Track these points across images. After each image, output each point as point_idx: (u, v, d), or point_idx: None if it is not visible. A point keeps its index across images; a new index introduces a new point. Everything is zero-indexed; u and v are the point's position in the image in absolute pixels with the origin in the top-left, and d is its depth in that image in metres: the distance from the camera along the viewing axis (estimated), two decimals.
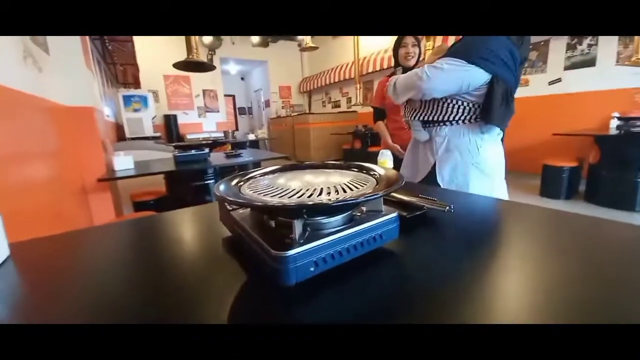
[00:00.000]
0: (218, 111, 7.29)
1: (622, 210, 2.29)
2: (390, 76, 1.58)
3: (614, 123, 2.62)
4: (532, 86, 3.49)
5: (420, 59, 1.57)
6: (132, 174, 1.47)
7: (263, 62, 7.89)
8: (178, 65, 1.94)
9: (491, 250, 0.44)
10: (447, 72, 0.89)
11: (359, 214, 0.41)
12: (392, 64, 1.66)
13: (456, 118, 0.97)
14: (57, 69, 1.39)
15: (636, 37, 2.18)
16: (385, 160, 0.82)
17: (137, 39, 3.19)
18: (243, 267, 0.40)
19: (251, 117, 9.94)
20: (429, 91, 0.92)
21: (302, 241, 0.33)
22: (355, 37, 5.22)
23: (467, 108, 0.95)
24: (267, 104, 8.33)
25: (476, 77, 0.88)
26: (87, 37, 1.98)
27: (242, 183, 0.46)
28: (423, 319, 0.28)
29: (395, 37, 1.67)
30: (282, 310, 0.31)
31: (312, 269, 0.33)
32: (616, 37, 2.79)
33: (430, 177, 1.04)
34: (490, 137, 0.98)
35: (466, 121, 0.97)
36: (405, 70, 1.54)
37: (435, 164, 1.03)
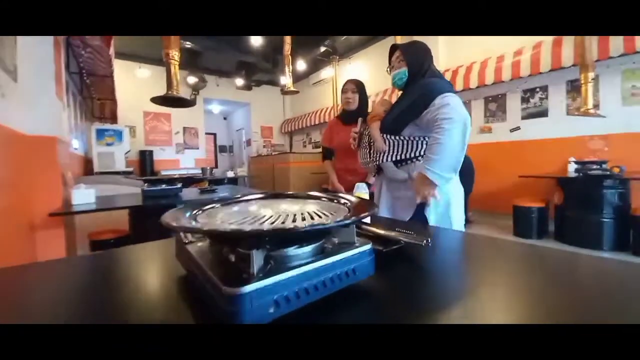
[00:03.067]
0: (197, 148, 7.23)
1: (590, 249, 2.38)
2: (343, 124, 1.65)
3: (572, 167, 2.84)
4: (495, 133, 3.79)
5: (365, 104, 1.65)
6: (91, 209, 1.34)
7: (246, 104, 8.13)
8: (156, 100, 1.93)
9: (473, 284, 0.41)
10: (455, 103, 0.93)
11: (330, 246, 0.37)
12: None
13: (423, 152, 1.01)
14: (24, 96, 1.32)
15: (583, 90, 2.47)
16: (361, 193, 0.81)
17: (117, 71, 3.19)
18: (192, 310, 0.34)
19: (232, 155, 9.92)
20: (465, 122, 0.92)
21: (261, 275, 0.28)
22: (334, 82, 5.59)
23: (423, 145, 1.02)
24: (249, 142, 8.41)
25: (459, 100, 0.95)
26: (62, 68, 1.95)
27: (200, 212, 0.42)
28: None
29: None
30: None
31: (271, 310, 0.28)
32: (564, 90, 3.16)
33: (415, 216, 1.03)
34: None
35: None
36: (348, 112, 1.63)
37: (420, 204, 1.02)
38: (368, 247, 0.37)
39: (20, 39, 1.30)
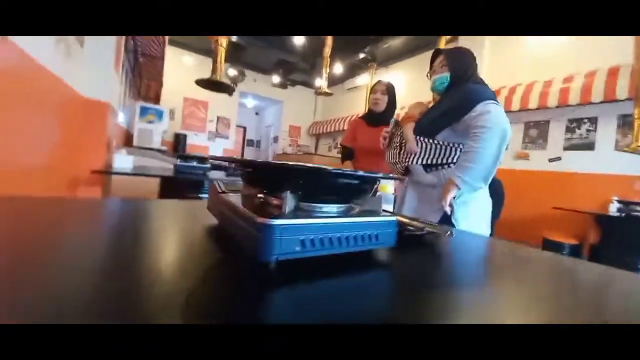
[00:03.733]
0: (227, 138, 7.49)
1: None
2: (367, 125, 1.65)
3: (614, 206, 2.64)
4: (533, 161, 3.60)
5: (393, 108, 1.63)
6: (129, 173, 1.44)
7: (279, 102, 8.34)
8: (201, 83, 2.04)
9: (494, 280, 0.40)
10: (497, 112, 0.91)
11: (356, 211, 0.38)
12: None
13: (455, 160, 1.00)
14: (86, 62, 1.45)
15: (636, 126, 2.31)
16: (387, 185, 0.80)
17: (167, 57, 3.42)
18: (221, 251, 0.36)
19: (258, 149, 10.18)
20: (504, 133, 0.90)
21: (292, 215, 0.30)
22: (368, 91, 5.59)
23: (456, 151, 1.00)
24: (276, 140, 8.59)
25: (500, 110, 0.94)
26: (122, 45, 2.11)
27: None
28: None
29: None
30: (254, 298, 0.27)
31: (297, 248, 0.29)
32: (614, 124, 2.96)
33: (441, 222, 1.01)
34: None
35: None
36: (374, 113, 1.61)
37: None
38: (393, 218, 0.38)
39: None
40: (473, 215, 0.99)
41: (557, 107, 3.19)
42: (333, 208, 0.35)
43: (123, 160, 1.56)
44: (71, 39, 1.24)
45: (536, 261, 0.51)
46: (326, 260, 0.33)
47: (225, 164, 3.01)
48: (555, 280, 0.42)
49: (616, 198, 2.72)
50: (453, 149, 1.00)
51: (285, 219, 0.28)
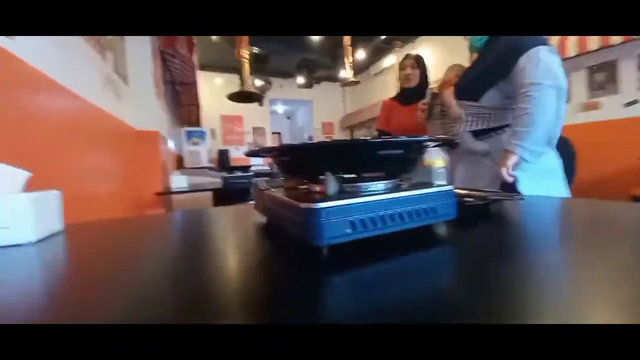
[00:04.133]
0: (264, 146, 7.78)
1: None
2: (400, 104, 1.52)
3: None
4: (604, 110, 3.09)
5: (425, 83, 1.51)
6: (186, 190, 1.57)
7: (308, 102, 8.40)
8: (232, 97, 2.14)
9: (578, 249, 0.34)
10: (549, 61, 0.80)
11: (406, 185, 0.35)
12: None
13: (507, 124, 0.89)
14: (132, 97, 1.62)
15: None
16: (436, 159, 0.74)
17: (200, 84, 3.66)
18: (271, 245, 0.36)
19: None
20: (559, 88, 0.80)
21: (337, 196, 0.28)
22: (396, 69, 5.34)
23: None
24: (311, 139, 8.68)
25: (554, 55, 0.82)
26: (159, 77, 2.30)
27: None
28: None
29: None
30: (307, 287, 0.26)
31: (348, 230, 0.27)
32: None
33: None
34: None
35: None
36: (407, 90, 1.48)
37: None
38: (450, 187, 0.34)
39: (127, 50, 1.60)
40: (540, 180, 0.87)
41: (623, 42, 2.70)
42: (379, 185, 0.32)
43: (179, 181, 1.71)
44: (116, 79, 1.39)
45: (630, 216, 0.42)
46: (383, 241, 0.30)
47: (268, 169, 3.11)
48: None
49: None
50: (504, 110, 0.89)
51: (329, 201, 0.27)
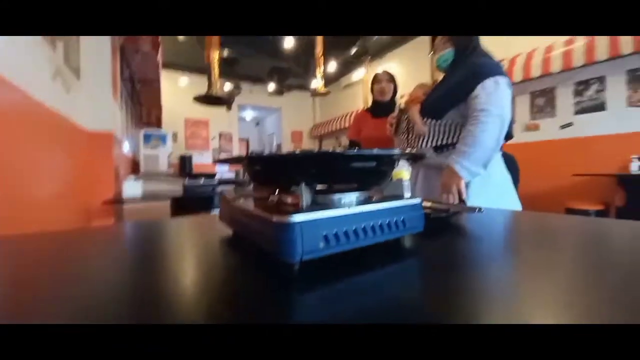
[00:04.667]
0: (231, 152, 7.55)
1: None
2: (372, 117, 1.61)
3: (635, 165, 2.53)
4: (544, 131, 3.49)
5: (398, 94, 1.62)
6: (139, 198, 1.44)
7: (277, 109, 8.36)
8: (198, 99, 2.05)
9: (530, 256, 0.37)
10: (501, 93, 0.88)
11: (378, 198, 0.35)
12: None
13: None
14: (85, 94, 1.47)
15: None
16: (402, 170, 0.77)
17: (163, 82, 3.46)
18: (239, 260, 0.34)
19: None
20: (504, 119, 0.89)
21: (310, 209, 0.27)
22: (365, 85, 5.55)
23: None
24: (279, 147, 8.61)
25: (507, 88, 0.90)
26: (117, 71, 2.14)
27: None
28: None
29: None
30: (280, 302, 0.24)
31: (321, 244, 0.26)
32: (624, 81, 2.84)
33: None
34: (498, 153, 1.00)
35: None
36: (380, 104, 1.57)
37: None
38: (417, 200, 0.35)
39: (83, 42, 1.46)
40: (496, 194, 0.95)
41: (561, 71, 3.08)
42: (352, 197, 0.32)
43: (132, 187, 1.57)
44: (68, 72, 1.25)
45: (575, 227, 0.47)
46: (353, 256, 0.30)
47: (233, 177, 3.01)
48: (602, 244, 0.38)
49: (636, 156, 2.60)
50: (462, 127, 0.97)
51: (304, 214, 0.26)
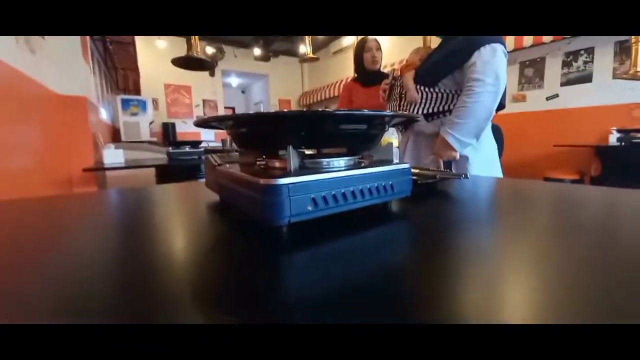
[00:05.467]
0: None
1: None
2: (362, 86, 1.56)
3: (614, 137, 2.62)
4: (530, 102, 3.52)
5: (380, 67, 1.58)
6: (121, 167, 1.40)
7: (264, 76, 8.00)
8: (177, 62, 1.92)
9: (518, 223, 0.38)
10: (497, 61, 0.86)
11: (367, 162, 0.35)
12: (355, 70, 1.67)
13: (452, 106, 0.96)
14: (53, 56, 1.35)
15: (633, 51, 2.21)
16: (390, 138, 0.77)
17: (138, 44, 3.20)
18: (226, 225, 0.34)
19: None
20: (499, 89, 0.88)
21: (298, 172, 0.27)
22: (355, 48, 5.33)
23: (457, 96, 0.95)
24: None
25: (502, 53, 0.88)
26: None
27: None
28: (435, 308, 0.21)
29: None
30: (269, 265, 0.24)
31: (309, 207, 0.26)
32: (611, 53, 2.85)
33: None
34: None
35: None
36: (370, 72, 1.54)
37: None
38: (406, 165, 0.35)
39: None
40: (484, 166, 0.97)
41: (552, 41, 3.05)
42: (341, 162, 0.32)
43: (113, 155, 1.50)
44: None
45: (551, 193, 0.49)
46: (341, 218, 0.31)
47: (220, 145, 2.94)
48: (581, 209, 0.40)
49: (615, 128, 2.69)
50: (455, 95, 0.95)
51: (291, 177, 0.25)
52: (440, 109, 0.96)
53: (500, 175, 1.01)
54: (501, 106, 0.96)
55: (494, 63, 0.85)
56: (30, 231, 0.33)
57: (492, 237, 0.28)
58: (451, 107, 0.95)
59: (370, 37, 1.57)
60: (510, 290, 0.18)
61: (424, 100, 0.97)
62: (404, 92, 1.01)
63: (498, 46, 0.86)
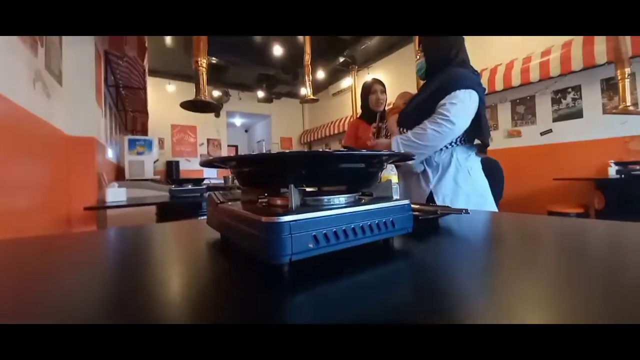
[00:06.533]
0: None
1: None
2: (368, 124, 1.65)
3: (613, 169, 2.64)
4: (525, 137, 3.62)
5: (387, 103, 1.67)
6: (123, 205, 1.40)
7: (267, 116, 8.36)
8: (185, 105, 2.02)
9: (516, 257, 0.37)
10: (467, 106, 0.91)
11: (366, 199, 0.36)
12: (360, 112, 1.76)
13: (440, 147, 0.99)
14: (67, 100, 1.43)
15: (620, 87, 2.32)
16: (390, 175, 0.78)
17: (149, 88, 3.40)
18: (227, 263, 0.34)
19: None
20: (458, 132, 0.92)
21: (299, 210, 0.27)
22: (353, 92, 5.64)
23: None
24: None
25: (475, 101, 0.93)
26: (101, 77, 2.10)
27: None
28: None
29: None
30: (269, 303, 0.24)
31: (311, 244, 0.26)
32: (598, 89, 2.99)
33: None
34: (476, 158, 1.03)
35: (448, 146, 0.99)
36: (375, 113, 1.61)
37: (431, 192, 1.00)
38: (406, 201, 0.36)
39: (66, 47, 1.43)
40: (475, 198, 0.98)
41: (539, 80, 3.22)
42: (341, 199, 0.32)
43: (116, 194, 1.52)
44: (48, 77, 1.22)
45: (555, 227, 0.48)
46: (343, 255, 0.30)
47: (222, 183, 2.97)
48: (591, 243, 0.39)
49: (613, 161, 2.72)
50: None
51: (293, 214, 0.26)
52: None
53: (495, 209, 1.01)
54: (485, 145, 1.00)
55: (460, 106, 0.90)
56: (27, 270, 0.33)
57: (497, 273, 0.28)
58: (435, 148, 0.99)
59: (377, 81, 1.67)
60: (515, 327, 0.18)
61: None
62: (389, 134, 1.06)
63: (468, 93, 0.91)
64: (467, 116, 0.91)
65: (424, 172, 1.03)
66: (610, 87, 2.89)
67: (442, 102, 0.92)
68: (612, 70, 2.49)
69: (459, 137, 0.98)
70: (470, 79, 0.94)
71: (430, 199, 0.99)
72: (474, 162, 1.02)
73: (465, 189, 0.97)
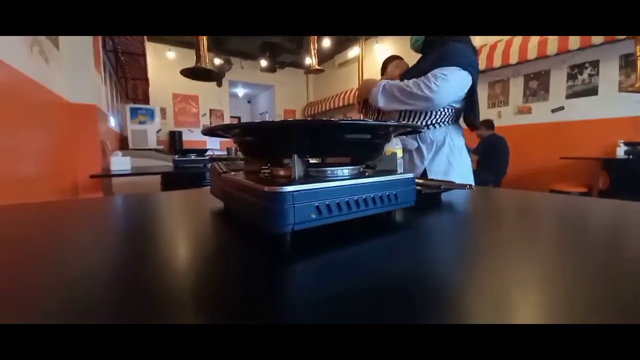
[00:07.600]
0: None
1: None
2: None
3: (621, 150, 2.59)
4: (535, 114, 3.52)
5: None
6: (128, 173, 1.42)
7: (270, 87, 8.14)
8: (186, 72, 1.96)
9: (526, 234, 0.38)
10: (453, 82, 0.89)
11: (370, 172, 0.35)
12: None
13: (435, 122, 0.99)
14: (66, 65, 1.39)
15: (639, 64, 2.21)
16: (395, 148, 0.76)
17: (149, 55, 3.29)
18: (230, 232, 0.34)
19: None
20: (438, 102, 0.90)
21: (302, 180, 0.27)
22: (360, 63, 5.42)
23: (444, 112, 0.98)
24: None
25: (468, 83, 0.92)
26: (99, 42, 2.03)
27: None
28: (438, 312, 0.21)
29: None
30: (271, 272, 0.24)
31: (313, 215, 0.26)
32: (617, 67, 2.85)
33: None
34: (463, 138, 1.04)
35: (442, 124, 0.99)
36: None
37: (425, 170, 1.00)
38: (410, 175, 0.35)
39: None
40: (462, 170, 1.00)
41: (556, 54, 3.06)
42: (345, 171, 0.32)
43: (120, 163, 1.53)
44: (45, 41, 1.17)
45: (556, 204, 0.48)
46: (345, 226, 0.31)
47: (225, 154, 2.97)
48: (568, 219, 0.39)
49: (622, 141, 2.66)
50: (433, 110, 0.97)
51: (296, 184, 0.26)
52: (422, 123, 0.98)
53: (469, 166, 1.06)
54: (472, 125, 1.01)
55: (448, 82, 0.88)
56: (36, 235, 0.34)
57: (496, 246, 0.28)
58: (429, 122, 0.97)
59: (397, 60, 1.59)
60: (515, 298, 0.18)
61: (408, 115, 0.98)
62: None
63: (459, 71, 0.89)
64: (449, 95, 0.91)
65: (418, 148, 1.02)
66: (629, 63, 2.75)
67: (435, 70, 0.90)
68: (632, 45, 2.35)
69: (450, 116, 0.99)
70: (462, 56, 0.92)
71: (424, 176, 0.99)
72: (463, 142, 1.05)
73: (456, 168, 0.99)
